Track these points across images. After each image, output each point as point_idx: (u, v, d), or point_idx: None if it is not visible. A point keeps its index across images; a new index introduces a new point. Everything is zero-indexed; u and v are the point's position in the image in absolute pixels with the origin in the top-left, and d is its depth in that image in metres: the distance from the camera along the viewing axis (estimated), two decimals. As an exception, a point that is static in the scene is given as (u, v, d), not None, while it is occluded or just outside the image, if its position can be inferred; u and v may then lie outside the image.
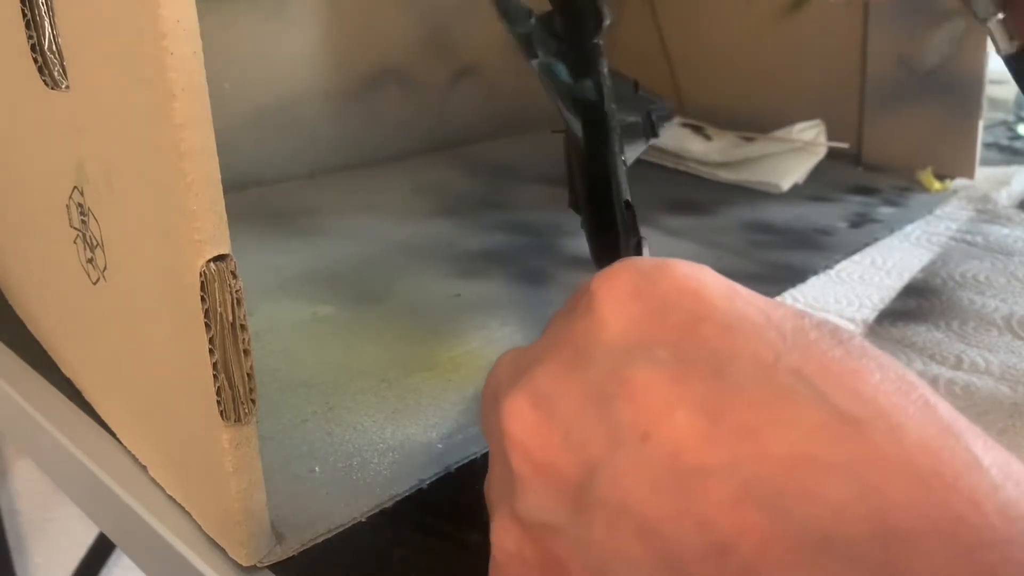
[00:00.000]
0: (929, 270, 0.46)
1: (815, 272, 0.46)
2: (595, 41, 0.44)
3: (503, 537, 0.18)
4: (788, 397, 0.15)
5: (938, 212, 0.57)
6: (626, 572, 0.15)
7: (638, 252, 0.31)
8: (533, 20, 0.41)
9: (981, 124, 0.61)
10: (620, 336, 0.17)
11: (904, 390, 0.15)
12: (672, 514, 0.15)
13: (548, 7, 0.42)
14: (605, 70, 0.41)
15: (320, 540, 0.24)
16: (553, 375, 0.18)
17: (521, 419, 0.18)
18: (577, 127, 0.37)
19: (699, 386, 0.16)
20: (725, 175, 0.64)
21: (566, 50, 0.42)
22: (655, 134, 0.40)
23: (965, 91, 0.61)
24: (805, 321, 0.17)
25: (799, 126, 0.65)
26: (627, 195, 0.33)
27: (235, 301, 0.20)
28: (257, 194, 0.58)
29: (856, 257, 0.48)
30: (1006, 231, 0.53)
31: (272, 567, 0.23)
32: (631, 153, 0.38)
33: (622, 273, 0.18)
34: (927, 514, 0.13)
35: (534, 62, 0.39)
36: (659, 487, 0.15)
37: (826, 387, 0.15)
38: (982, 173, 0.64)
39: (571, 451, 0.17)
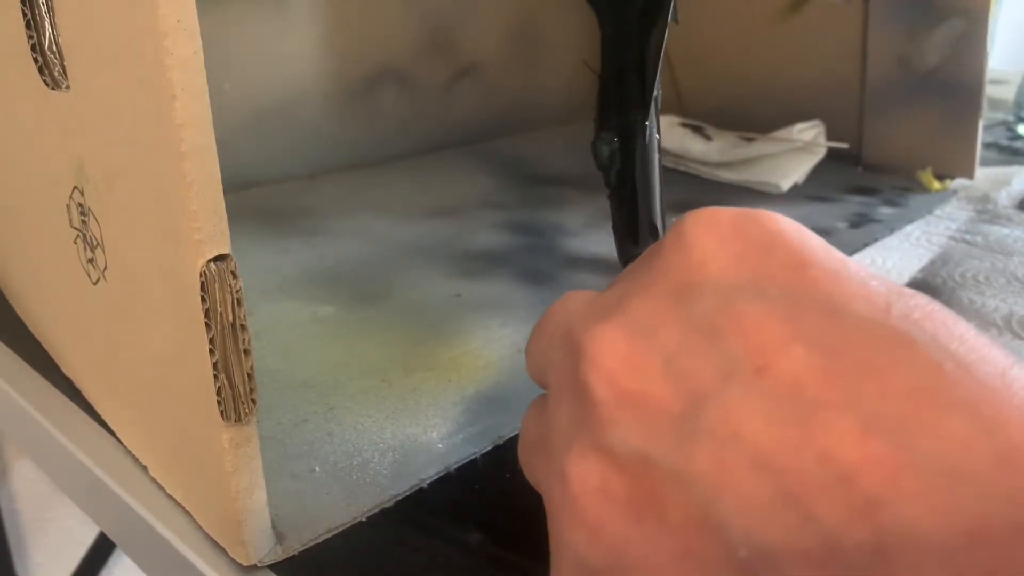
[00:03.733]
0: (929, 270, 0.46)
1: (815, 272, 0.46)
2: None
3: (585, 470, 0.17)
4: (905, 338, 0.15)
5: (938, 212, 0.57)
6: (735, 505, 0.15)
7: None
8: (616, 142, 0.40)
9: (981, 124, 0.61)
10: (724, 271, 0.17)
11: (998, 347, 0.15)
12: (791, 446, 0.15)
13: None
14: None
15: (320, 540, 0.24)
16: (652, 308, 0.17)
17: (613, 348, 0.17)
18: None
19: (815, 324, 0.16)
20: (725, 175, 0.64)
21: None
22: (676, 19, 0.38)
23: (965, 91, 0.61)
24: (894, 282, 0.17)
25: (799, 126, 0.65)
26: (659, 218, 0.33)
27: (235, 301, 0.20)
28: (257, 194, 0.58)
29: (856, 257, 0.48)
30: (1006, 231, 0.53)
31: (272, 567, 0.23)
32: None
33: (717, 212, 0.18)
34: None
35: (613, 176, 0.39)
36: (776, 419, 0.15)
37: (937, 332, 0.15)
38: (982, 173, 0.64)
39: (673, 381, 0.16)
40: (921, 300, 0.16)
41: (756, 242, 0.18)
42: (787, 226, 0.18)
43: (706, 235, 0.18)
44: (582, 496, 0.17)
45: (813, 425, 0.15)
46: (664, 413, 0.16)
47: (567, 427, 0.18)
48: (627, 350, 0.17)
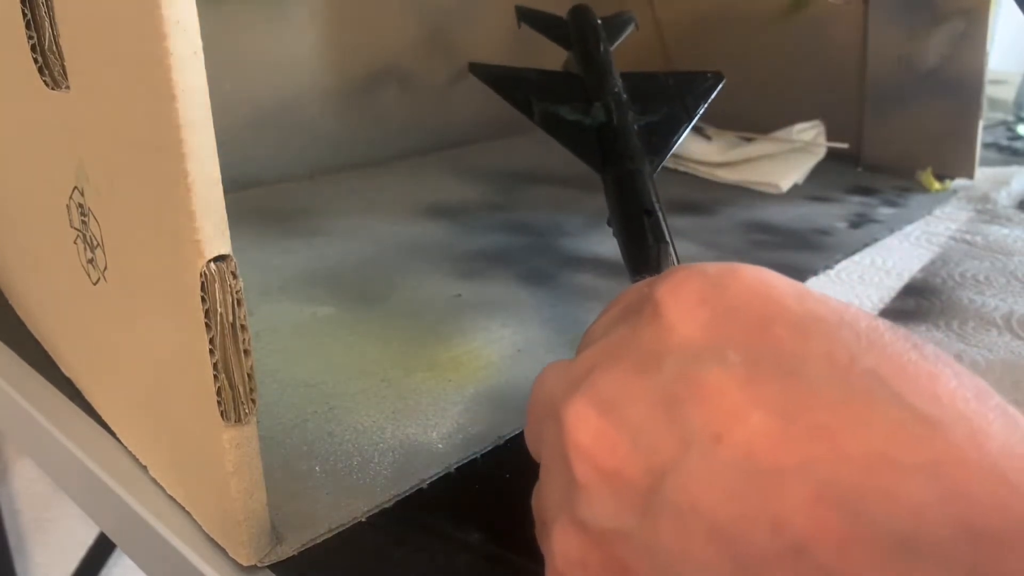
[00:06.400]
0: (929, 270, 0.46)
1: (815, 272, 0.46)
2: (602, 56, 0.45)
3: (565, 545, 0.18)
4: (865, 397, 0.15)
5: (938, 212, 0.57)
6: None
7: (661, 257, 0.31)
8: (533, 77, 0.42)
9: (981, 124, 0.61)
10: (688, 341, 0.17)
11: (981, 397, 0.15)
12: (745, 515, 0.14)
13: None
14: (617, 86, 0.42)
15: (320, 540, 0.24)
16: (618, 381, 0.18)
17: (586, 426, 0.17)
18: (592, 160, 0.38)
19: (772, 387, 0.15)
20: (725, 175, 0.64)
21: (573, 86, 0.43)
22: (690, 116, 0.40)
23: (965, 91, 0.61)
24: (879, 323, 0.16)
25: (799, 126, 0.65)
26: (649, 204, 0.33)
27: (235, 301, 0.20)
28: (257, 194, 0.58)
29: (856, 257, 0.48)
30: (1006, 231, 0.53)
31: (273, 567, 0.23)
32: (669, 142, 0.39)
33: (688, 279, 0.18)
34: (1018, 515, 0.13)
35: (536, 117, 0.40)
36: (732, 489, 0.15)
37: (903, 388, 0.15)
38: (982, 173, 0.64)
39: (639, 455, 0.16)
40: (897, 349, 0.16)
41: (722, 305, 0.17)
42: (757, 284, 0.18)
43: (674, 304, 0.18)
44: (564, 568, 0.18)
45: (766, 493, 0.14)
46: (633, 487, 0.16)
47: (555, 502, 0.19)
48: (598, 426, 0.17)
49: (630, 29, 0.52)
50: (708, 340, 0.17)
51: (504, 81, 0.43)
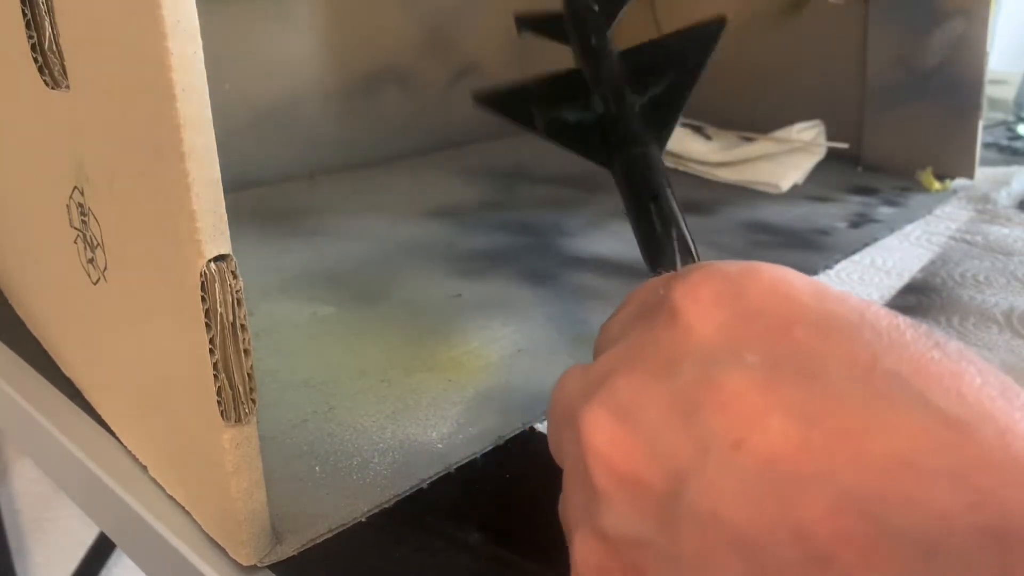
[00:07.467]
0: (929, 270, 0.46)
1: (815, 272, 0.46)
2: (596, 43, 0.44)
3: (586, 554, 0.18)
4: (888, 400, 0.14)
5: (938, 212, 0.57)
6: None
7: (676, 247, 0.31)
8: (532, 87, 0.42)
9: (981, 124, 0.61)
10: (706, 343, 0.17)
11: (1008, 395, 0.14)
12: (767, 524, 0.14)
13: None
14: (613, 70, 0.42)
15: (320, 540, 0.24)
16: (634, 385, 0.17)
17: (602, 432, 0.17)
18: (600, 158, 0.38)
19: (793, 391, 0.15)
20: (725, 175, 0.64)
21: (575, 81, 0.43)
22: (693, 77, 0.40)
23: (965, 91, 0.61)
24: (900, 320, 0.16)
25: (799, 126, 0.65)
26: (655, 188, 0.33)
27: (235, 301, 0.20)
28: (257, 194, 0.58)
29: (856, 257, 0.48)
30: (1006, 231, 0.53)
31: (272, 567, 0.24)
32: (674, 111, 0.38)
33: (705, 279, 0.18)
34: None
35: (539, 130, 0.40)
36: (753, 496, 0.14)
37: (927, 389, 0.14)
38: (982, 173, 0.64)
39: (657, 462, 0.16)
40: (919, 347, 0.15)
41: (740, 307, 0.17)
42: (776, 284, 0.17)
43: (691, 305, 0.18)
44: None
45: (788, 501, 0.14)
46: (652, 494, 0.16)
47: (576, 509, 0.18)
48: (615, 433, 0.17)
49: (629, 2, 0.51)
50: (726, 342, 0.17)
51: (508, 101, 0.43)
